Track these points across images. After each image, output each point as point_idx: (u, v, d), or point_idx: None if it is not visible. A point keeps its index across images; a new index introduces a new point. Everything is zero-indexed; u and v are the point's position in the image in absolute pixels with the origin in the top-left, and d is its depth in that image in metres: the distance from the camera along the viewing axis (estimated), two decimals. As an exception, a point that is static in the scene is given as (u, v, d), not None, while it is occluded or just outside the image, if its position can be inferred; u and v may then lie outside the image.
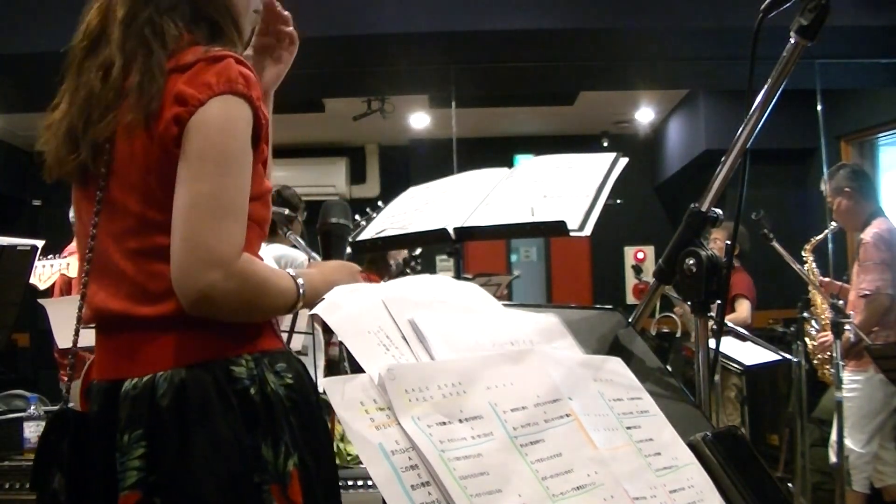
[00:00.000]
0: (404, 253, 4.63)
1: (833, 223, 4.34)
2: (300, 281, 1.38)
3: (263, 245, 2.88)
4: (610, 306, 1.29)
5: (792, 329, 4.55)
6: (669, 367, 1.25)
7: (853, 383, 3.92)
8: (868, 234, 4.02)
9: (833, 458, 3.89)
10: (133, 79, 1.33)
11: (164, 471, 1.29)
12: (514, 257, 8.25)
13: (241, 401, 1.31)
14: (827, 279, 4.39)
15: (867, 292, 3.93)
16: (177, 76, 1.32)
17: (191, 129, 1.29)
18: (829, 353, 3.93)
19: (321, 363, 3.55)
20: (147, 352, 1.34)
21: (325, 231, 1.60)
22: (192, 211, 1.28)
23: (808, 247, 4.45)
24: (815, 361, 4.27)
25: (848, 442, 3.84)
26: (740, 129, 1.27)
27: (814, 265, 4.40)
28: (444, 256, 6.92)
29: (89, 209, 1.39)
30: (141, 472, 1.28)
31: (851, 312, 3.85)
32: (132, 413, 1.30)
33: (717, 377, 3.92)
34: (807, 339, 4.20)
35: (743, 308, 4.95)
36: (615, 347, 1.17)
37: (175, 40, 1.36)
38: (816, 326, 4.26)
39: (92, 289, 1.40)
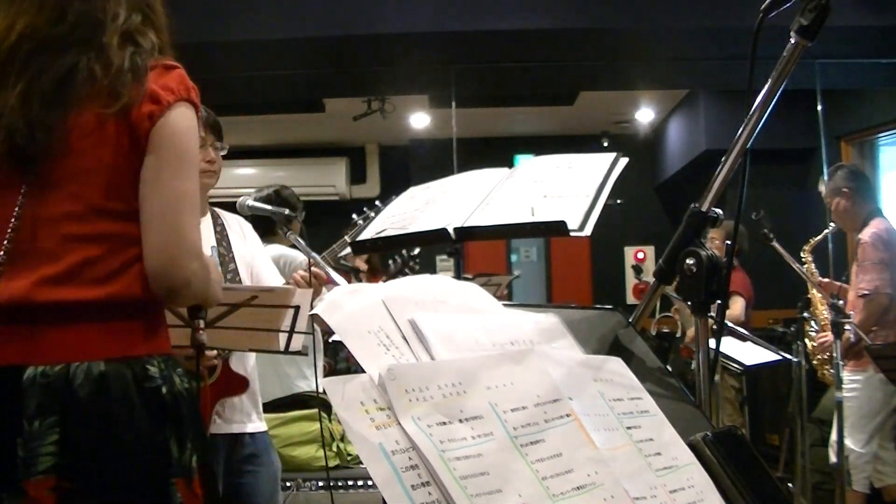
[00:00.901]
0: (361, 264, 4.64)
1: (832, 224, 4.35)
2: None
3: (262, 245, 2.88)
4: (610, 306, 1.28)
5: (792, 329, 4.55)
6: (669, 367, 1.25)
7: (853, 383, 3.92)
8: (866, 235, 4.02)
9: (833, 458, 3.89)
10: (123, 74, 1.40)
11: (82, 458, 1.34)
12: (514, 257, 8.25)
13: (155, 399, 1.40)
14: (826, 279, 4.39)
15: (866, 292, 3.93)
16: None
17: (162, 128, 1.41)
18: (828, 354, 3.93)
19: (321, 363, 3.55)
20: (60, 340, 1.38)
21: None
22: (174, 205, 1.39)
23: (806, 248, 4.45)
24: (815, 362, 4.27)
25: (848, 442, 3.84)
26: (740, 129, 1.27)
27: (812, 266, 4.40)
28: (444, 256, 6.92)
29: (12, 195, 1.41)
30: (55, 457, 1.33)
31: (851, 312, 3.85)
32: (43, 401, 1.34)
33: (716, 377, 3.92)
34: (807, 340, 4.20)
35: (736, 306, 4.94)
36: (615, 347, 1.17)
37: (153, 47, 1.48)
38: (816, 327, 4.26)
39: (7, 276, 1.40)
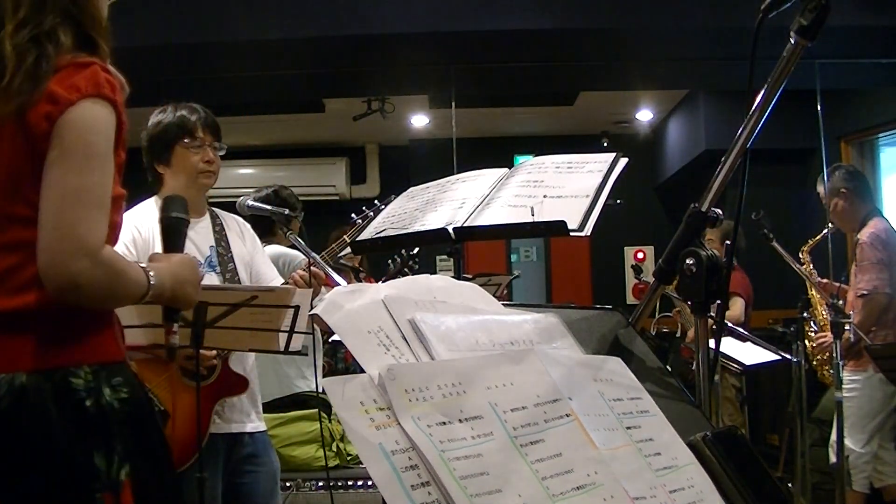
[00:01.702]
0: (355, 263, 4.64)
1: (830, 224, 4.35)
2: (151, 273, 1.46)
3: (262, 245, 2.88)
4: (610, 306, 1.28)
5: (792, 329, 4.55)
6: (669, 367, 1.25)
7: (852, 383, 3.92)
8: (865, 235, 4.02)
9: (833, 458, 3.89)
10: (17, 76, 1.37)
11: None
12: (514, 257, 8.24)
13: (76, 411, 1.37)
14: (825, 280, 4.39)
15: (865, 292, 3.93)
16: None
17: (61, 126, 1.36)
18: (828, 354, 3.93)
19: (321, 363, 3.55)
20: None
21: (166, 224, 1.63)
22: (64, 202, 1.35)
23: (805, 248, 4.45)
24: (815, 362, 4.27)
25: (848, 442, 3.84)
26: (740, 129, 1.27)
27: (811, 267, 4.40)
28: (444, 256, 6.91)
29: None
30: None
31: (850, 312, 3.86)
32: None
33: (716, 377, 3.91)
34: (806, 341, 4.20)
35: (736, 306, 4.94)
36: (615, 347, 1.17)
37: (63, 48, 1.42)
38: (816, 327, 4.26)
39: None
